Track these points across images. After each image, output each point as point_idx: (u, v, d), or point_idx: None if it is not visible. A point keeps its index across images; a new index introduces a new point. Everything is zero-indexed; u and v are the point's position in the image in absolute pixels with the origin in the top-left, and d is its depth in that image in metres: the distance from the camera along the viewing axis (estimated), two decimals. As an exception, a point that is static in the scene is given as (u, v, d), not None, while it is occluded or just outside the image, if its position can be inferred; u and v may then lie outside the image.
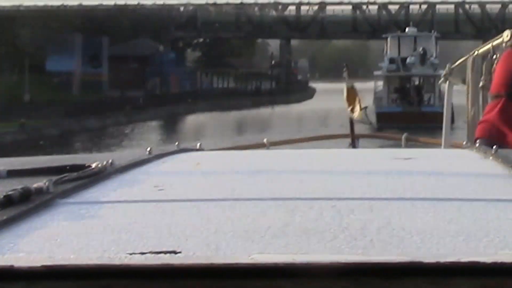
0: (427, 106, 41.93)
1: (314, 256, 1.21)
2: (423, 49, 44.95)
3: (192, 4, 76.38)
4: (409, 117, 39.10)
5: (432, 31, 50.88)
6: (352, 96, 8.91)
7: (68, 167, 2.14)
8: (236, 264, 1.14)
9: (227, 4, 76.78)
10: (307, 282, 1.10)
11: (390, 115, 39.87)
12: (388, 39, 48.72)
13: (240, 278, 1.11)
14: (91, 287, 1.12)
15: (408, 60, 45.09)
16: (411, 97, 43.35)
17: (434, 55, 46.25)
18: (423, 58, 44.58)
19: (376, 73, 47.41)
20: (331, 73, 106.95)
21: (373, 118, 35.08)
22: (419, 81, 45.12)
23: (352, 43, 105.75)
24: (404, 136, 8.42)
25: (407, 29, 49.65)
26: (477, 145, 3.27)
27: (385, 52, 48.54)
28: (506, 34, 5.17)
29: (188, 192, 1.91)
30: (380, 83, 45.91)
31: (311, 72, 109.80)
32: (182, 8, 77.47)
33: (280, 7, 76.58)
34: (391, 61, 46.11)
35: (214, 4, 76.72)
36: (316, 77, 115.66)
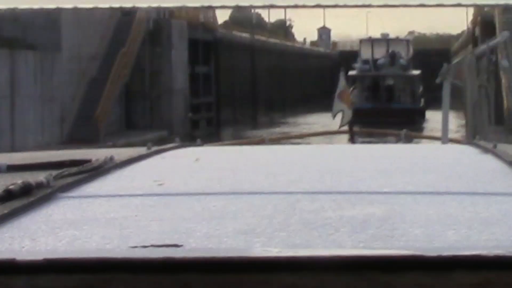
0: (396, 103, 44.90)
1: (316, 250, 1.21)
2: (393, 51, 48.17)
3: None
4: (380, 113, 40.70)
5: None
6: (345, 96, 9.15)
7: (68, 162, 2.14)
8: (238, 258, 1.13)
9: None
10: (309, 275, 1.10)
11: (364, 111, 39.06)
12: (362, 42, 50.85)
13: (242, 272, 1.11)
14: (93, 280, 1.11)
15: (378, 62, 47.98)
16: (381, 95, 46.24)
17: (405, 57, 49.18)
18: (393, 59, 47.60)
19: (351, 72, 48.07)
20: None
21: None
22: (389, 81, 48.08)
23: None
24: (403, 132, 8.44)
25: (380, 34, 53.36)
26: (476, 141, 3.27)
27: (359, 54, 50.54)
28: (502, 35, 5.20)
29: (189, 186, 1.91)
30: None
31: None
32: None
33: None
34: (365, 62, 48.52)
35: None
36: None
